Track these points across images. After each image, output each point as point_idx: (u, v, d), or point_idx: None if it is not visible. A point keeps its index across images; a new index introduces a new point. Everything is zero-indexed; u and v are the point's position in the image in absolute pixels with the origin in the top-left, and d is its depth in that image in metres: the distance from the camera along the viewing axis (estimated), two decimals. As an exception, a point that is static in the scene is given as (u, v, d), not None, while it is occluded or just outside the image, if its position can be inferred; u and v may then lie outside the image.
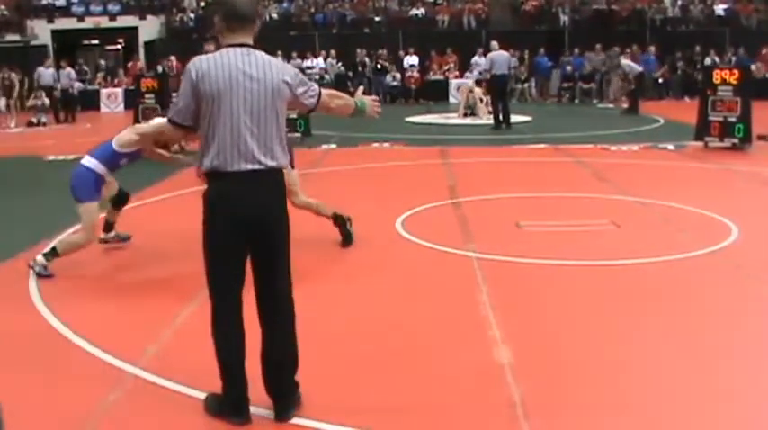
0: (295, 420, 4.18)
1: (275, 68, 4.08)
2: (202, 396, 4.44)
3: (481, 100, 22.42)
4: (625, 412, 4.29)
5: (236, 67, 3.96)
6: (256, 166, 3.97)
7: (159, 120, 7.52)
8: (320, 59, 30.06)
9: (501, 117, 19.48)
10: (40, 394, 4.68)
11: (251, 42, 4.08)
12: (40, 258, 7.09)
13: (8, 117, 23.37)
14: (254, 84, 3.98)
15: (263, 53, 4.08)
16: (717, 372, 4.83)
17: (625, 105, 23.35)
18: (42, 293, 6.55)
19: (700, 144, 14.93)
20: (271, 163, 4.02)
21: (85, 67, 30.77)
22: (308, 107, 4.37)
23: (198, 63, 4.01)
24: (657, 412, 4.29)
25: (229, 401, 4.19)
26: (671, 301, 6.20)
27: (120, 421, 4.32)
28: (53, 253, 7.12)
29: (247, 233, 4.04)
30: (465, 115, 22.41)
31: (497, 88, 19.93)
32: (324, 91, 4.50)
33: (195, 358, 4.79)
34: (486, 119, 21.10)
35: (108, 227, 8.17)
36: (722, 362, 4.98)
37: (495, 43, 20.70)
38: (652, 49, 28.65)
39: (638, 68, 23.70)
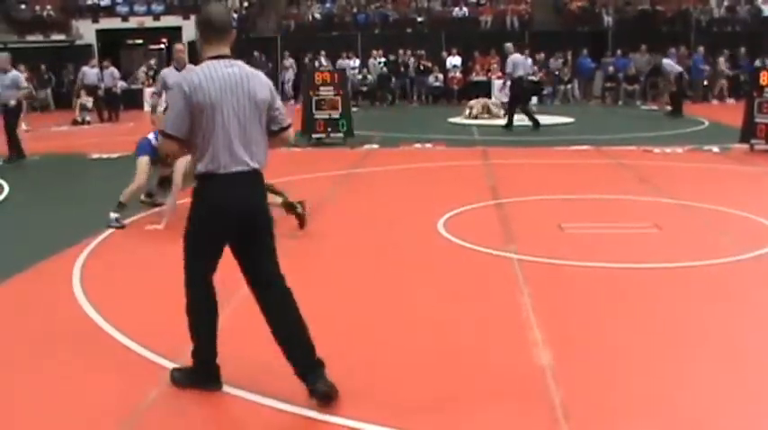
0: (335, 419, 4.20)
1: (257, 81, 4.45)
2: (241, 394, 4.49)
3: (495, 105, 22.69)
4: (665, 418, 4.25)
5: (224, 79, 4.28)
6: (245, 168, 4.36)
7: None
8: (357, 60, 29.94)
9: (527, 118, 19.38)
10: (81, 390, 4.74)
11: (229, 52, 4.41)
12: (111, 214, 8.83)
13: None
14: (240, 94, 4.33)
15: (243, 64, 4.44)
16: (759, 378, 4.77)
17: (669, 107, 23.06)
18: (86, 289, 6.63)
19: (745, 146, 14.74)
20: (255, 165, 4.42)
21: (144, 71, 30.84)
22: (277, 124, 4.63)
23: (189, 78, 4.32)
24: (699, 418, 4.25)
25: (202, 371, 4.61)
26: (713, 306, 6.13)
27: (161, 419, 4.37)
28: (120, 205, 8.90)
29: (239, 226, 4.44)
30: (475, 117, 22.50)
31: (520, 90, 19.80)
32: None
33: (235, 356, 4.83)
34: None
35: (149, 194, 9.82)
36: (764, 367, 4.92)
37: (510, 45, 20.44)
38: (701, 49, 28.23)
39: (679, 69, 23.37)
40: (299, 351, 4.48)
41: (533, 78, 29.38)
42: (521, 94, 19.88)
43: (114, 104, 25.65)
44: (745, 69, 26.20)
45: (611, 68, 29.00)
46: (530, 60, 29.44)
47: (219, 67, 4.32)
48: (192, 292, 4.65)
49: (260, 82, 4.45)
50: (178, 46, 11.92)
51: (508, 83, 20.19)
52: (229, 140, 4.30)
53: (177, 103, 4.32)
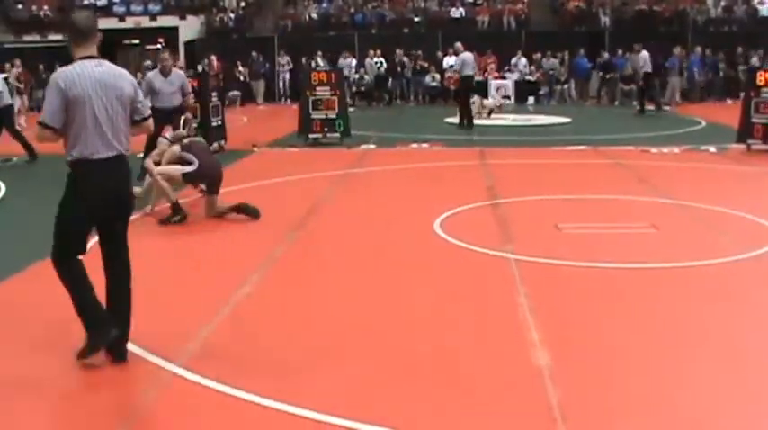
0: (329, 418, 4.19)
1: (121, 77, 5.07)
2: (240, 394, 4.48)
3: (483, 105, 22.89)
4: (663, 418, 4.24)
5: (94, 77, 4.87)
6: (113, 153, 4.95)
7: None
8: (353, 60, 29.87)
9: (466, 117, 19.80)
10: (79, 390, 4.74)
11: (96, 53, 5.00)
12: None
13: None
14: (108, 90, 4.93)
15: (110, 63, 5.05)
16: (758, 378, 4.77)
17: (668, 108, 23.03)
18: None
19: (742, 146, 14.75)
20: (122, 149, 5.01)
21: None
22: (139, 114, 5.19)
23: (63, 75, 4.86)
24: (697, 418, 4.25)
25: (96, 334, 5.01)
26: (711, 305, 6.13)
27: (156, 418, 4.36)
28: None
29: (107, 204, 5.03)
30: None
31: (467, 89, 20.39)
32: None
33: (232, 357, 4.82)
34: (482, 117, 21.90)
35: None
36: (764, 367, 4.92)
37: (459, 44, 20.75)
38: (698, 50, 28.21)
39: (648, 68, 23.54)
40: (121, 317, 5.12)
41: (530, 78, 29.47)
42: (468, 93, 20.42)
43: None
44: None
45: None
46: (524, 60, 29.58)
47: (90, 65, 4.91)
48: (64, 268, 5.09)
49: (125, 79, 5.08)
50: (164, 54, 12.32)
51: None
52: (100, 130, 4.89)
53: (54, 98, 4.86)
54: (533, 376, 4.75)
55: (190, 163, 9.18)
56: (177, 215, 9.10)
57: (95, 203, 4.99)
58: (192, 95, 12.43)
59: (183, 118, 10.22)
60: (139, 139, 9.32)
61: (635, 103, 25.12)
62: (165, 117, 10.58)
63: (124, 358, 5.07)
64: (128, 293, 5.27)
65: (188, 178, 9.34)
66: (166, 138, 9.76)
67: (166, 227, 8.96)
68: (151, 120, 5.38)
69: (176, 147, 9.34)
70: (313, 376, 4.80)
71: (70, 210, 5.03)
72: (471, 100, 20.95)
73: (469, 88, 20.64)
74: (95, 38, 5.06)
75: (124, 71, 5.16)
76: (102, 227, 5.16)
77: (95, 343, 5.01)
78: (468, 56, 20.05)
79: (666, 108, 24.97)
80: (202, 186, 9.68)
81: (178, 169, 9.22)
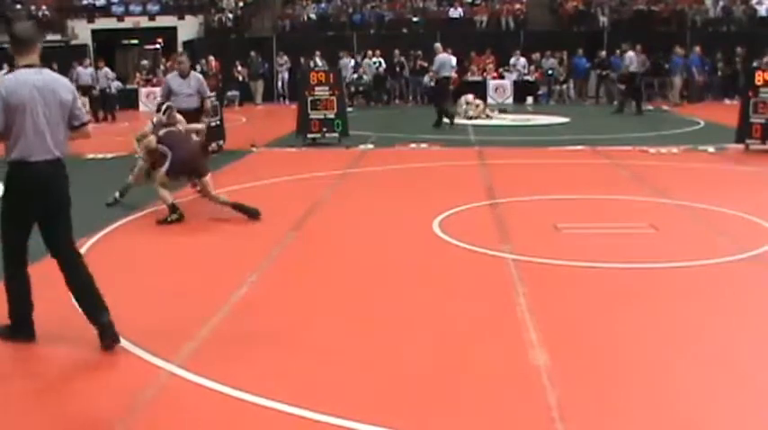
0: (328, 418, 4.19)
1: (60, 84, 5.35)
2: (239, 394, 4.48)
3: (477, 106, 22.88)
4: (662, 418, 4.24)
5: (34, 84, 5.14)
6: (51, 157, 5.22)
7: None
8: (352, 60, 29.83)
9: (445, 116, 19.79)
10: (77, 389, 4.73)
11: (37, 61, 5.27)
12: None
13: None
14: (48, 96, 5.20)
15: (50, 71, 5.35)
16: (755, 377, 4.77)
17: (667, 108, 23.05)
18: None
19: (741, 147, 14.75)
20: (59, 154, 5.29)
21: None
22: (78, 120, 5.48)
23: (5, 83, 5.18)
24: (696, 418, 4.25)
25: (18, 326, 5.43)
26: (709, 305, 6.14)
27: (154, 418, 4.36)
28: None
29: (45, 205, 5.30)
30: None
31: (443, 90, 20.47)
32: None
33: (230, 357, 4.82)
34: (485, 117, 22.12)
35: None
36: (761, 367, 4.92)
37: (438, 45, 20.83)
38: (697, 49, 28.18)
39: (633, 69, 23.73)
40: (89, 300, 5.38)
41: (529, 78, 29.47)
42: (445, 94, 20.51)
43: (110, 105, 25.57)
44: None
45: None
46: (523, 60, 29.56)
47: (30, 73, 5.18)
48: (8, 262, 5.43)
49: (63, 86, 5.36)
50: (181, 57, 12.63)
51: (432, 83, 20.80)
52: (40, 134, 5.16)
53: None
54: (532, 376, 4.74)
55: (164, 155, 9.36)
56: (174, 214, 9.15)
57: (33, 203, 5.29)
58: (210, 98, 12.65)
59: (165, 104, 10.35)
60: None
61: (615, 102, 25.38)
62: (185, 118, 10.73)
63: (118, 340, 5.29)
64: (86, 280, 5.45)
65: (171, 172, 9.36)
66: (152, 123, 9.98)
67: (165, 227, 8.96)
68: (90, 126, 5.78)
69: (152, 138, 9.61)
70: (311, 376, 4.80)
71: (7, 208, 5.35)
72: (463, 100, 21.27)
73: (445, 90, 20.59)
74: (36, 48, 5.31)
75: (63, 79, 5.50)
76: (42, 227, 5.40)
77: (8, 336, 5.46)
78: (444, 57, 20.11)
79: (650, 108, 25.02)
80: (198, 187, 9.69)
81: (163, 178, 9.34)
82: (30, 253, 5.45)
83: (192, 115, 11.54)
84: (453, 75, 21.26)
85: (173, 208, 9.19)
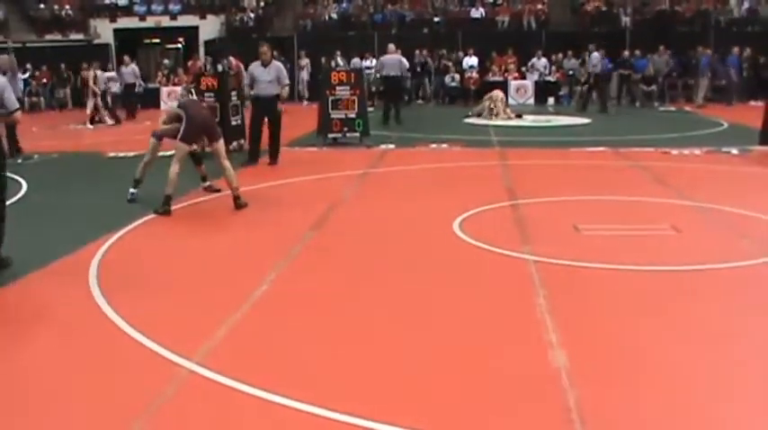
0: (347, 418, 4.19)
1: None
2: (252, 391, 4.49)
3: (502, 99, 23.32)
4: (681, 419, 4.21)
5: None
6: None
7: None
8: (373, 60, 29.74)
9: (392, 114, 20.52)
10: (95, 387, 4.75)
11: None
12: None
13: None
14: None
15: None
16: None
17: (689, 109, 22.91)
18: (102, 286, 6.66)
19: (765, 149, 14.64)
20: None
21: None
22: (5, 109, 6.40)
23: None
24: (716, 420, 4.22)
25: None
26: (731, 308, 6.08)
27: (174, 416, 4.37)
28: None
29: None
30: (479, 115, 22.99)
31: (388, 89, 21.30)
32: None
33: (250, 355, 4.82)
34: (504, 118, 22.27)
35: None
36: (785, 372, 4.89)
37: (392, 46, 21.55)
38: (735, 50, 27.84)
39: (597, 69, 24.11)
40: None
41: (550, 79, 29.38)
42: (393, 93, 21.38)
43: (132, 103, 25.74)
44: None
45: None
46: (544, 60, 29.48)
47: None
48: None
49: None
50: (263, 47, 13.67)
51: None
52: None
53: None
54: (551, 377, 4.73)
55: (180, 118, 10.04)
56: (165, 206, 9.52)
57: None
58: (287, 86, 13.79)
59: (183, 86, 12.38)
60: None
61: (573, 103, 25.59)
62: (264, 104, 13.27)
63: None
64: None
65: (186, 135, 9.85)
66: (183, 88, 12.73)
67: (185, 225, 9.00)
68: (19, 113, 6.89)
69: (174, 104, 11.13)
70: (332, 375, 4.80)
71: None
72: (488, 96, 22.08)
73: (394, 89, 21.40)
74: None
75: None
76: None
77: None
78: (388, 58, 20.85)
79: (672, 109, 24.89)
80: (213, 186, 10.67)
81: (181, 150, 9.90)
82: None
83: (272, 101, 13.24)
84: (403, 74, 22.28)
85: (167, 199, 9.53)
